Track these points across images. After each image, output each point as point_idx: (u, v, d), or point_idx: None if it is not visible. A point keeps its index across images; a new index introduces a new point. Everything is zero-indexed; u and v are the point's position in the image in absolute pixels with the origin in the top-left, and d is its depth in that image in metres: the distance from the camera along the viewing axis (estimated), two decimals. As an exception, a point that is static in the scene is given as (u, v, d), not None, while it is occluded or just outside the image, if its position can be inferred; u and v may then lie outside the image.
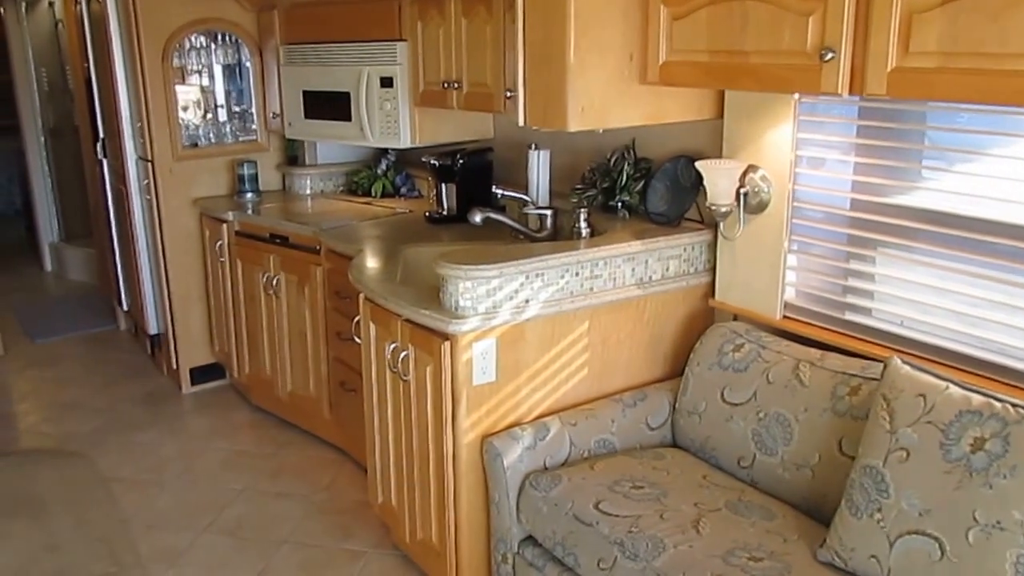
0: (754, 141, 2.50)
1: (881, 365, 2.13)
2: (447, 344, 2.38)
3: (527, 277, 2.43)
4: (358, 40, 3.52)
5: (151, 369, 4.89)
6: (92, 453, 3.91)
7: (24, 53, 6.44)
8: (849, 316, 2.47)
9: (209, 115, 4.30)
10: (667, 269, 2.71)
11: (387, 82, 3.43)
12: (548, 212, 2.95)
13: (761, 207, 2.52)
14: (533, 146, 3.06)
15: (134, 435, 4.08)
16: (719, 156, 2.61)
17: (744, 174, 2.50)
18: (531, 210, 3.00)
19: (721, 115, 2.61)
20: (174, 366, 4.51)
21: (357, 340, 2.92)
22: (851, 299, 2.46)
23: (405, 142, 3.48)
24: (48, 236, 6.94)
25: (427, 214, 3.59)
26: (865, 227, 2.38)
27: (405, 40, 3.33)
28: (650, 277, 2.68)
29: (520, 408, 2.54)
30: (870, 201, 2.35)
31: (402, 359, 2.59)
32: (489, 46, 2.86)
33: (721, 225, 2.63)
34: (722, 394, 2.47)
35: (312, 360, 3.70)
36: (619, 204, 2.92)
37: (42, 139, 6.64)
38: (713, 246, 2.76)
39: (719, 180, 2.44)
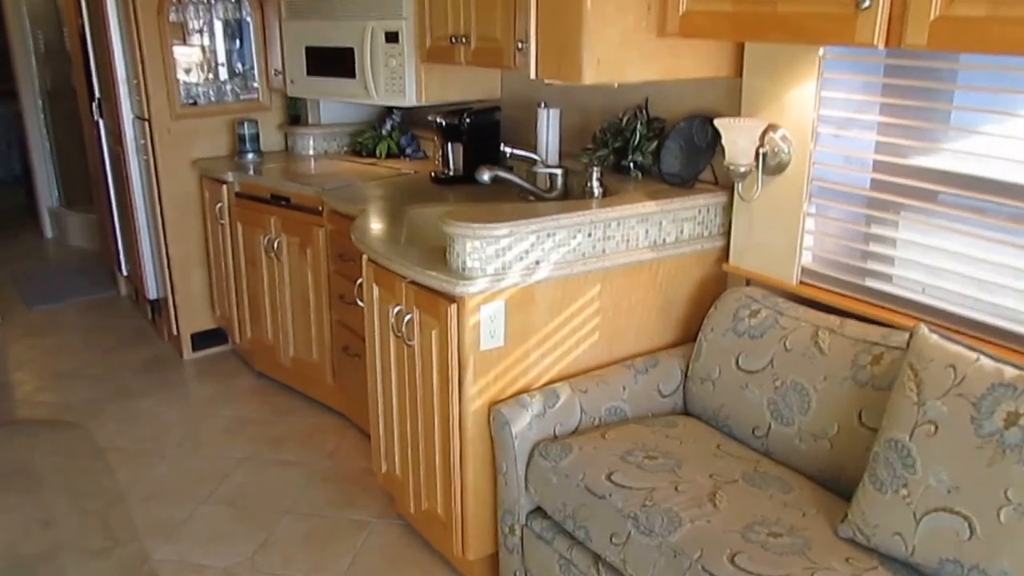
0: (775, 100, 2.41)
1: (905, 334, 2.06)
2: (454, 307, 2.32)
3: (538, 237, 2.35)
4: (362, -7, 3.42)
5: (152, 335, 4.84)
6: (89, 423, 3.86)
7: (19, 13, 6.33)
8: (869, 282, 2.39)
9: (209, 72, 4.21)
10: (681, 231, 2.63)
11: (392, 37, 3.34)
12: (558, 171, 2.87)
13: (780, 168, 2.44)
14: (542, 104, 2.97)
15: (133, 403, 4.04)
16: (736, 116, 2.52)
17: (764, 133, 2.41)
18: (540, 169, 2.91)
19: (739, 73, 2.52)
20: (175, 332, 4.46)
21: (360, 303, 2.85)
22: (871, 265, 2.38)
23: (411, 100, 3.39)
24: (48, 202, 6.87)
25: (432, 174, 3.51)
26: (887, 190, 2.29)
27: (411, -7, 3.24)
28: (664, 240, 2.61)
29: (529, 374, 2.48)
30: (893, 163, 2.27)
31: (406, 323, 2.53)
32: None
33: (739, 186, 2.54)
34: (737, 361, 2.41)
35: (315, 325, 3.65)
36: (631, 164, 2.83)
37: (40, 102, 6.55)
38: (728, 209, 2.68)
39: (738, 139, 2.36)
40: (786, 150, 2.42)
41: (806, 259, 2.51)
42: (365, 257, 2.72)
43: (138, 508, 3.21)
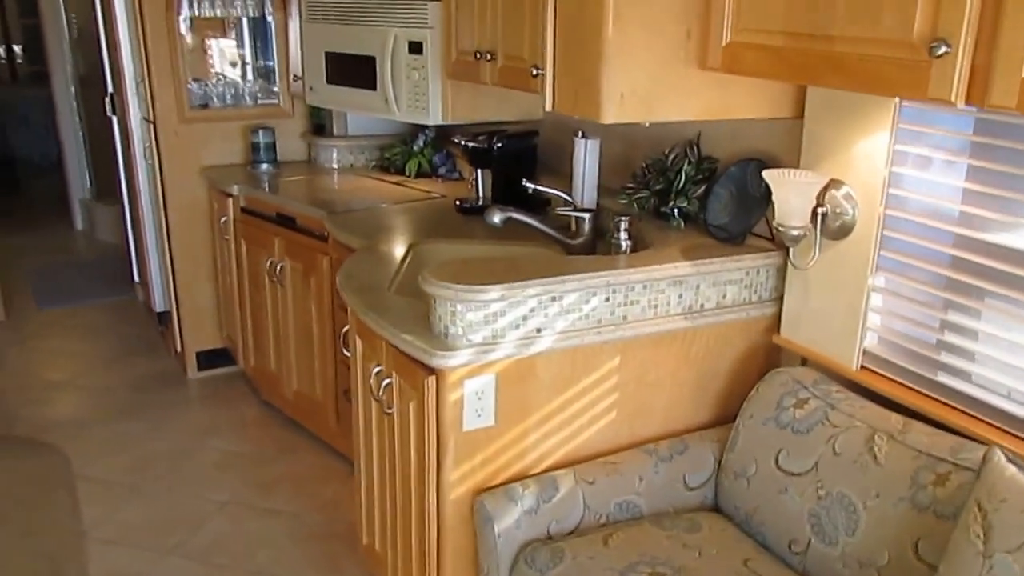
0: (840, 150, 2.10)
1: (980, 450, 1.74)
2: (432, 379, 2.07)
3: (540, 301, 2.09)
4: (386, -4, 3.21)
5: (159, 348, 4.73)
6: (69, 446, 3.72)
7: (53, -5, 6.35)
8: (943, 378, 2.06)
9: (225, 73, 4.06)
10: (723, 296, 2.33)
11: (416, 47, 3.11)
12: (586, 216, 2.60)
13: (843, 232, 2.12)
14: (580, 133, 2.70)
15: (122, 426, 3.90)
16: (795, 165, 2.21)
17: (824, 190, 2.10)
18: (565, 211, 2.65)
19: (802, 114, 2.21)
20: (178, 348, 4.34)
21: (346, 353, 2.63)
22: (946, 357, 2.05)
23: (435, 118, 3.16)
24: (79, 192, 6.89)
25: (457, 202, 3.27)
26: (970, 271, 1.96)
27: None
28: (701, 305, 2.31)
29: (526, 457, 2.22)
30: (980, 240, 1.93)
31: (385, 387, 2.30)
32: (527, 11, 2.51)
33: (792, 251, 2.23)
34: (776, 458, 2.11)
35: (318, 360, 3.45)
36: (674, 211, 2.55)
37: (72, 88, 6.56)
38: (783, 271, 2.37)
39: (791, 196, 2.05)
40: (850, 211, 2.10)
41: (869, 341, 2.18)
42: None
43: (97, 554, 3.04)
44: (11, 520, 3.20)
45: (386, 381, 2.28)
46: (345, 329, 2.59)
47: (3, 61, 8.92)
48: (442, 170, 3.81)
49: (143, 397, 4.19)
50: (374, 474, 2.53)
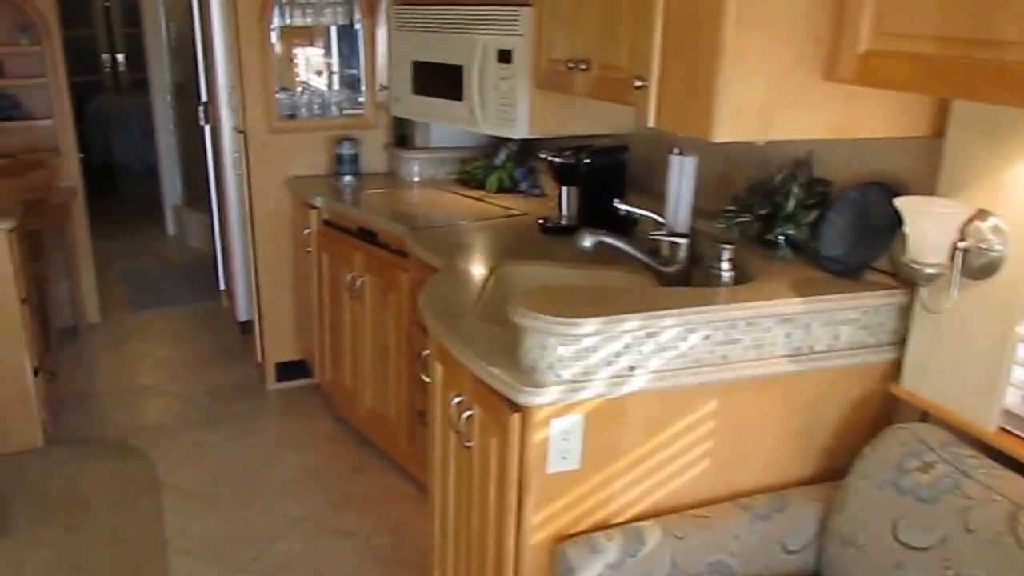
0: (989, 176, 1.78)
1: None
2: (517, 417, 1.83)
3: (635, 337, 1.83)
4: (476, 3, 3.00)
5: (241, 356, 4.62)
6: (154, 452, 3.66)
7: (155, 6, 6.34)
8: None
9: (312, 83, 3.91)
10: (836, 338, 2.04)
11: (506, 56, 2.89)
12: (682, 241, 2.33)
13: (988, 271, 1.81)
14: (677, 151, 2.43)
15: (203, 435, 3.81)
16: (932, 192, 1.91)
17: (968, 222, 1.79)
18: (659, 235, 2.38)
19: (941, 132, 1.90)
20: (260, 359, 4.20)
21: (425, 379, 2.42)
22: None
23: (521, 131, 2.93)
24: (171, 198, 6.88)
25: (541, 221, 3.03)
26: None
27: (530, 4, 2.78)
28: (811, 347, 2.02)
29: (611, 504, 1.97)
30: None
31: (466, 419, 2.07)
32: (627, 17, 2.26)
33: (922, 291, 1.92)
34: (895, 529, 1.81)
35: (393, 380, 3.26)
36: (780, 238, 2.26)
37: (168, 96, 6.55)
38: (906, 312, 2.06)
39: (928, 228, 1.75)
40: (999, 247, 1.78)
41: (1012, 399, 1.86)
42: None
43: (176, 564, 2.95)
44: (101, 525, 3.15)
45: (467, 413, 2.05)
46: (425, 352, 2.38)
47: (107, 69, 9.03)
48: (523, 185, 3.58)
49: (224, 406, 4.09)
50: (449, 507, 2.31)
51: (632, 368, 1.86)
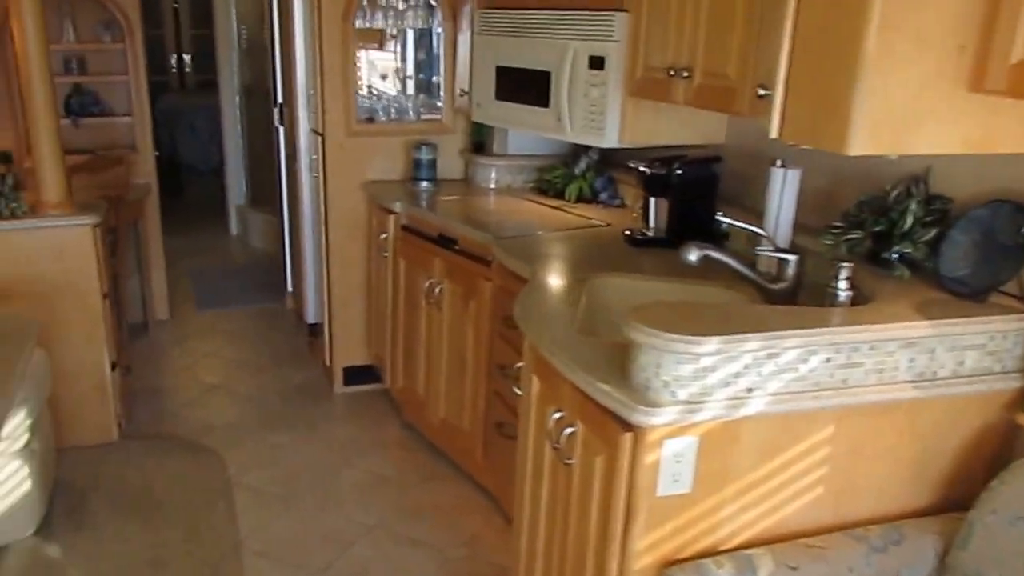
0: None
1: None
2: (628, 436, 1.74)
3: (755, 357, 1.73)
4: (568, 8, 2.92)
5: (307, 359, 4.59)
6: (226, 451, 3.63)
7: (227, 8, 6.36)
8: None
9: (392, 87, 3.86)
10: (961, 363, 1.92)
11: (597, 63, 2.81)
12: (791, 258, 2.22)
13: None
14: (779, 163, 2.33)
15: (273, 436, 3.77)
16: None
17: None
18: (767, 251, 2.27)
19: (1087, 149, 1.78)
20: (328, 362, 4.16)
21: (517, 391, 2.34)
22: None
23: (610, 140, 2.85)
24: (236, 198, 6.90)
25: (627, 233, 2.94)
26: None
27: (626, 10, 2.69)
28: (934, 373, 1.90)
29: (718, 531, 1.87)
30: None
31: (567, 435, 1.98)
32: (739, 23, 2.17)
33: (1064, 316, 1.80)
34: (1030, 567, 1.68)
35: (469, 390, 3.18)
36: (896, 256, 2.14)
37: (237, 98, 6.57)
38: (1035, 337, 1.94)
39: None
40: None
41: None
42: (527, 337, 2.21)
43: (251, 565, 2.91)
44: (176, 522, 3.14)
45: (568, 429, 1.96)
46: (518, 365, 2.30)
47: (173, 70, 9.12)
48: (603, 196, 3.48)
49: (292, 408, 4.05)
50: (540, 524, 2.22)
51: (750, 390, 1.76)
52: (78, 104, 4.86)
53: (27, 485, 2.90)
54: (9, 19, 3.32)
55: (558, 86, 2.96)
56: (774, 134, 1.86)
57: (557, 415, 2.03)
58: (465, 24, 3.58)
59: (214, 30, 6.44)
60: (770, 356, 1.75)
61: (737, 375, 1.74)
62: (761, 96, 1.89)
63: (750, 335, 1.71)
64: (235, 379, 4.38)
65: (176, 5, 8.95)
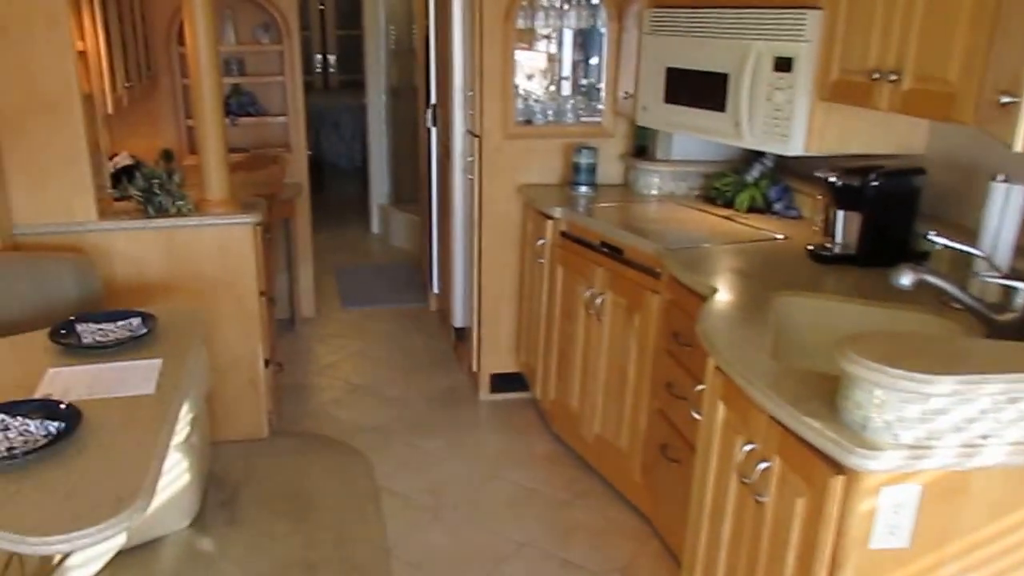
0: None
1: None
2: (840, 480, 1.59)
3: (994, 401, 1.55)
4: (750, 5, 2.76)
5: (452, 362, 4.57)
6: (374, 454, 3.65)
7: (376, 9, 6.45)
8: None
9: (552, 88, 3.78)
10: None
11: (784, 64, 2.65)
12: (1021, 285, 2.00)
13: None
14: (1001, 177, 2.11)
15: (421, 441, 3.76)
16: None
17: None
18: (993, 277, 2.06)
19: None
20: (474, 367, 4.12)
21: (696, 416, 2.21)
22: None
23: (795, 148, 2.68)
24: (378, 197, 7.00)
25: (810, 248, 2.76)
26: None
27: (820, 7, 2.51)
28: None
29: (936, 593, 1.69)
30: None
31: (760, 471, 1.84)
32: (964, 21, 1.97)
33: None
34: None
35: (629, 407, 3.06)
36: None
37: (383, 98, 6.65)
38: None
39: None
40: None
41: None
42: (712, 360, 2.08)
43: (400, 574, 2.88)
44: (327, 524, 3.15)
45: (763, 464, 1.82)
46: (699, 388, 2.17)
47: (318, 70, 9.34)
48: (778, 206, 3.30)
49: (437, 413, 4.04)
50: (719, 562, 2.09)
51: (985, 437, 1.58)
52: (237, 104, 5.01)
53: (185, 478, 2.99)
54: (180, 21, 3.41)
55: (737, 89, 2.81)
56: (1020, 147, 1.67)
57: (748, 447, 1.89)
58: (631, 23, 3.46)
59: (362, 31, 6.54)
60: (1011, 401, 1.56)
61: (971, 420, 1.56)
62: (1004, 104, 1.70)
63: (991, 376, 1.52)
64: (381, 380, 4.40)
65: (322, 7, 9.17)
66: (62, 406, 1.93)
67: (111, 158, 4.22)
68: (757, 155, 3.38)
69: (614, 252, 3.08)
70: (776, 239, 2.97)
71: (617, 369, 3.11)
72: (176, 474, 2.91)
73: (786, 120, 2.67)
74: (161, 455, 1.77)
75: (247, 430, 3.66)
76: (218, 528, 3.11)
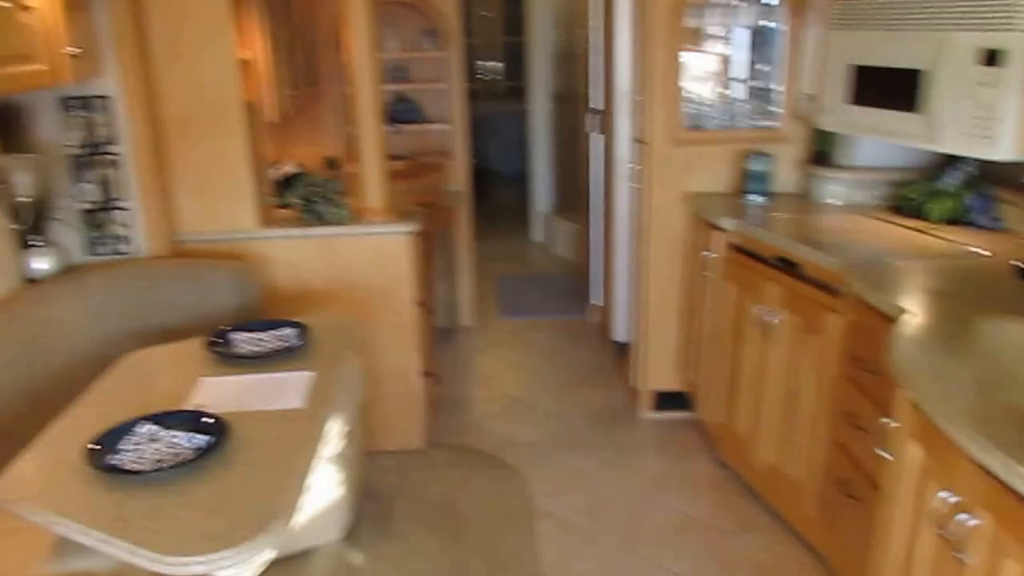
0: None
1: None
2: (1069, 548, 1.35)
3: None
4: (954, -7, 2.49)
5: (611, 377, 4.44)
6: (528, 472, 3.56)
7: (539, 14, 6.41)
8: None
9: (722, 91, 3.58)
10: None
11: (990, 58, 2.36)
12: None
13: None
14: None
15: (576, 460, 3.65)
16: None
17: None
18: None
19: None
20: (635, 384, 3.97)
21: (884, 455, 1.99)
22: None
23: (1003, 151, 2.39)
24: (540, 205, 6.95)
25: (1019, 265, 2.45)
26: None
27: (1038, -8, 2.23)
28: None
29: None
30: None
31: (962, 525, 1.61)
32: None
33: None
34: None
35: (804, 436, 2.83)
36: None
37: (546, 104, 6.60)
38: None
39: None
40: None
41: None
42: (905, 394, 1.85)
43: None
44: (478, 544, 3.09)
45: (971, 522, 1.59)
46: (887, 422, 1.95)
47: (484, 77, 9.45)
48: (980, 218, 2.96)
49: (595, 431, 3.91)
50: (907, 624, 1.86)
51: None
52: (400, 111, 5.08)
53: (338, 490, 2.99)
54: (341, 30, 3.44)
55: (933, 87, 2.54)
56: None
57: (948, 497, 1.66)
58: (812, 18, 3.22)
59: (525, 37, 6.52)
60: None
61: None
62: None
63: None
64: (538, 393, 4.32)
65: (488, 14, 9.27)
66: (211, 419, 1.95)
67: (277, 165, 4.36)
68: (953, 160, 3.06)
69: (789, 267, 2.86)
70: (977, 254, 2.66)
71: (791, 394, 2.88)
72: (329, 487, 2.91)
73: (993, 121, 2.38)
74: (305, 475, 1.75)
75: (403, 441, 3.66)
76: (370, 542, 3.10)
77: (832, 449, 2.67)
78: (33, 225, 2.97)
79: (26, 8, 2.39)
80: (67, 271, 3.06)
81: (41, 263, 2.96)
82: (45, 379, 2.73)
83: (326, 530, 3.03)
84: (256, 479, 1.77)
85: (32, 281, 2.95)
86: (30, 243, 2.95)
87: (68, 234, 3.12)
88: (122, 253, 3.16)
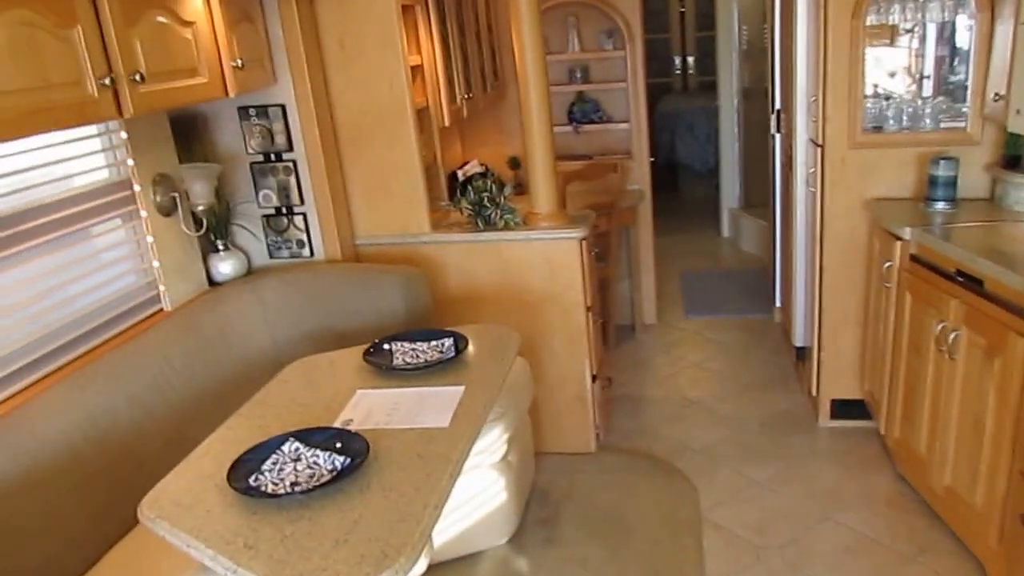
0: None
1: None
2: None
3: None
4: None
5: (791, 382, 4.29)
6: (698, 478, 3.51)
7: (730, 9, 6.24)
8: None
9: (903, 89, 3.35)
10: None
11: None
12: None
13: None
14: None
15: (749, 468, 3.57)
16: None
17: None
18: None
19: None
20: (813, 391, 3.83)
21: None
22: None
23: None
24: (729, 201, 6.79)
25: None
26: None
27: None
28: None
29: None
30: None
31: None
32: None
33: None
34: None
35: (987, 464, 2.63)
36: None
37: (735, 100, 6.42)
38: None
39: None
40: None
41: None
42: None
43: None
44: (641, 554, 3.04)
45: None
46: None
47: (677, 72, 9.32)
48: None
49: (771, 438, 3.79)
50: None
51: None
52: (580, 111, 5.11)
53: (502, 497, 2.99)
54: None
55: None
56: None
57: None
58: (1008, 12, 2.95)
59: (715, 32, 6.38)
60: None
61: None
62: None
63: None
64: (716, 396, 4.24)
65: (683, 9, 9.13)
66: (353, 440, 1.96)
67: (463, 166, 4.51)
68: None
69: (972, 282, 2.66)
70: None
71: (972, 417, 2.68)
72: (492, 493, 2.94)
73: None
74: (440, 504, 1.74)
75: (574, 444, 3.68)
76: (535, 548, 3.11)
77: (1015, 480, 2.46)
78: (218, 230, 3.20)
79: (186, 23, 2.51)
80: (249, 275, 3.24)
81: (225, 267, 3.20)
82: (222, 380, 2.87)
83: (491, 535, 3.05)
84: (389, 507, 1.75)
85: (216, 284, 3.18)
86: (216, 248, 3.18)
87: (251, 239, 3.34)
88: (300, 256, 3.35)
